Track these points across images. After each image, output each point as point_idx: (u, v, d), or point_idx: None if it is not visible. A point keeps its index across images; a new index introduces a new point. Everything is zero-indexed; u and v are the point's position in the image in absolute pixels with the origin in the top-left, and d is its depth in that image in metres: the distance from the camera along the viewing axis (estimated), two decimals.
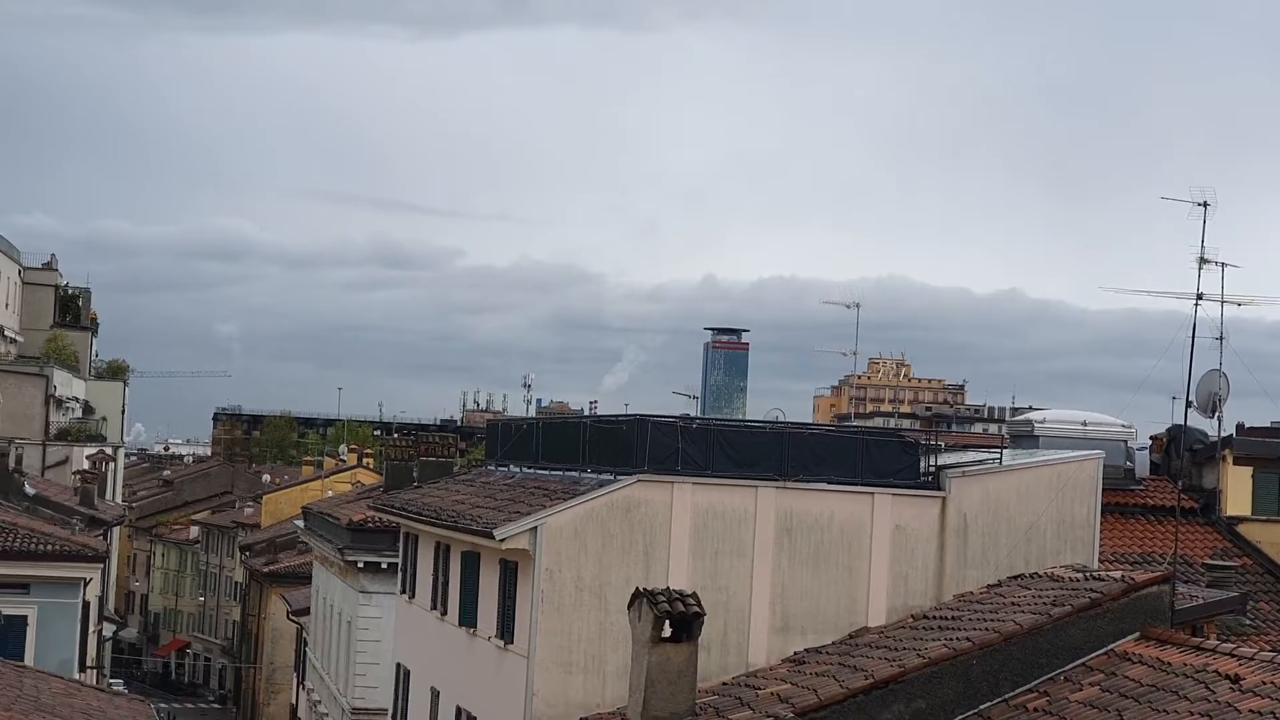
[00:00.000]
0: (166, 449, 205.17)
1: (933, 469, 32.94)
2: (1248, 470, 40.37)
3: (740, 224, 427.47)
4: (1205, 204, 33.63)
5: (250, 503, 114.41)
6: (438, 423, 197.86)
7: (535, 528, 30.02)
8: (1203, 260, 34.13)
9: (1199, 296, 34.07)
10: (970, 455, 35.98)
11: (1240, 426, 43.75)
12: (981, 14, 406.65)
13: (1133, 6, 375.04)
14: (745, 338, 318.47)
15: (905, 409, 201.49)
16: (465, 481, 41.33)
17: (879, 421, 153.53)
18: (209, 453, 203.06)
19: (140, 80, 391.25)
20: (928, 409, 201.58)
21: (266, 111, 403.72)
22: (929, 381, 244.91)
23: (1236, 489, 40.12)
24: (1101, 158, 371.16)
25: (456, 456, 55.28)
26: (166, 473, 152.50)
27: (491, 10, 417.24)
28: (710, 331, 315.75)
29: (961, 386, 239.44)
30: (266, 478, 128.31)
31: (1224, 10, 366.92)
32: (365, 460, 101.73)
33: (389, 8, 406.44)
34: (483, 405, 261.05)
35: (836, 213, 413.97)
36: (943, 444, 36.33)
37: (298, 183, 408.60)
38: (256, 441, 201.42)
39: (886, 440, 34.23)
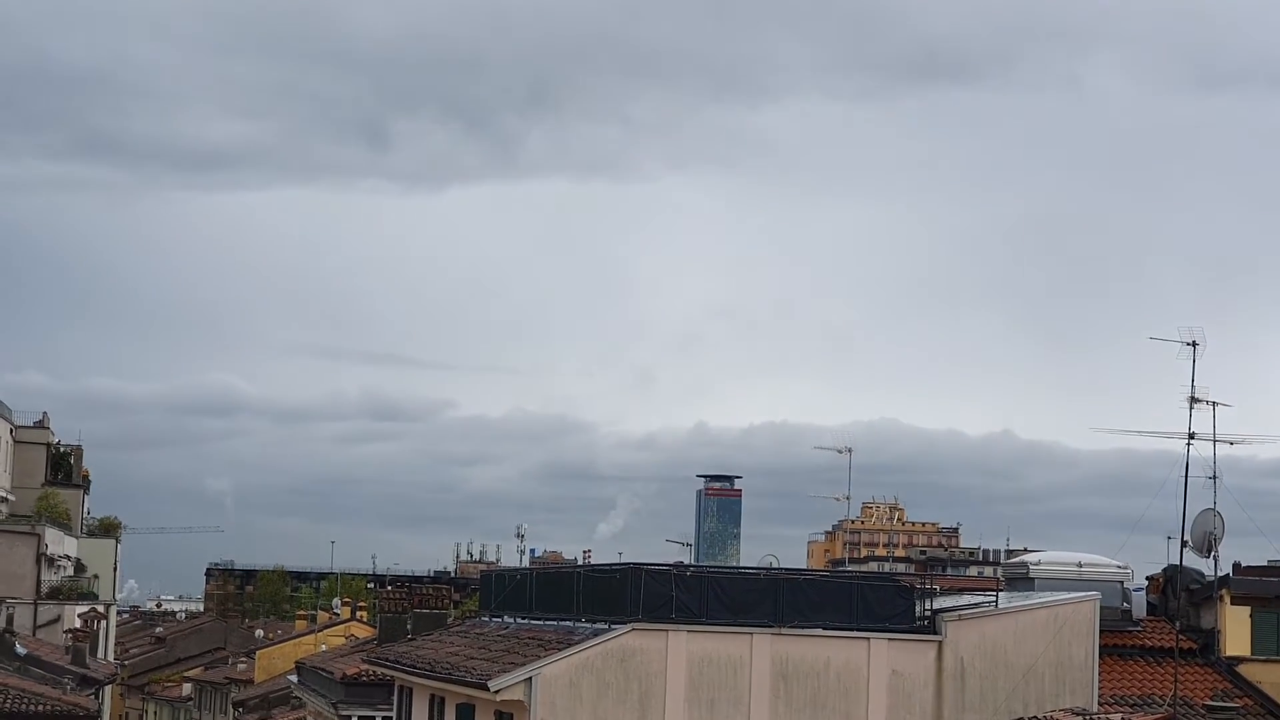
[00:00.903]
0: (159, 605, 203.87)
1: (928, 613, 32.83)
2: (1246, 610, 40.15)
3: (731, 371, 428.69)
4: (1194, 344, 33.80)
5: (243, 658, 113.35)
6: (431, 574, 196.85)
7: (530, 678, 29.85)
8: (1193, 400, 34.22)
9: (1191, 436, 34.12)
10: (966, 598, 35.85)
11: (1237, 566, 43.55)
12: (967, 161, 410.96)
13: (1118, 150, 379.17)
14: (737, 484, 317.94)
15: (900, 553, 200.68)
16: (459, 633, 41.09)
17: (873, 566, 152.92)
18: (201, 608, 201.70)
19: (131, 238, 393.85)
20: (922, 552, 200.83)
21: (257, 267, 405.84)
22: (923, 525, 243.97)
23: (1235, 629, 39.89)
24: (1091, 299, 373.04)
25: (450, 608, 55.04)
26: (159, 629, 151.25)
27: (479, 163, 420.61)
28: (702, 478, 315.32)
29: (956, 529, 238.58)
30: (260, 633, 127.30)
31: (1207, 151, 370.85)
32: (359, 613, 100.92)
33: (377, 163, 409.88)
34: (476, 556, 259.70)
35: (827, 358, 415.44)
36: (938, 588, 36.19)
37: (288, 337, 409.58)
38: (249, 596, 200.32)
39: (881, 585, 34.16)
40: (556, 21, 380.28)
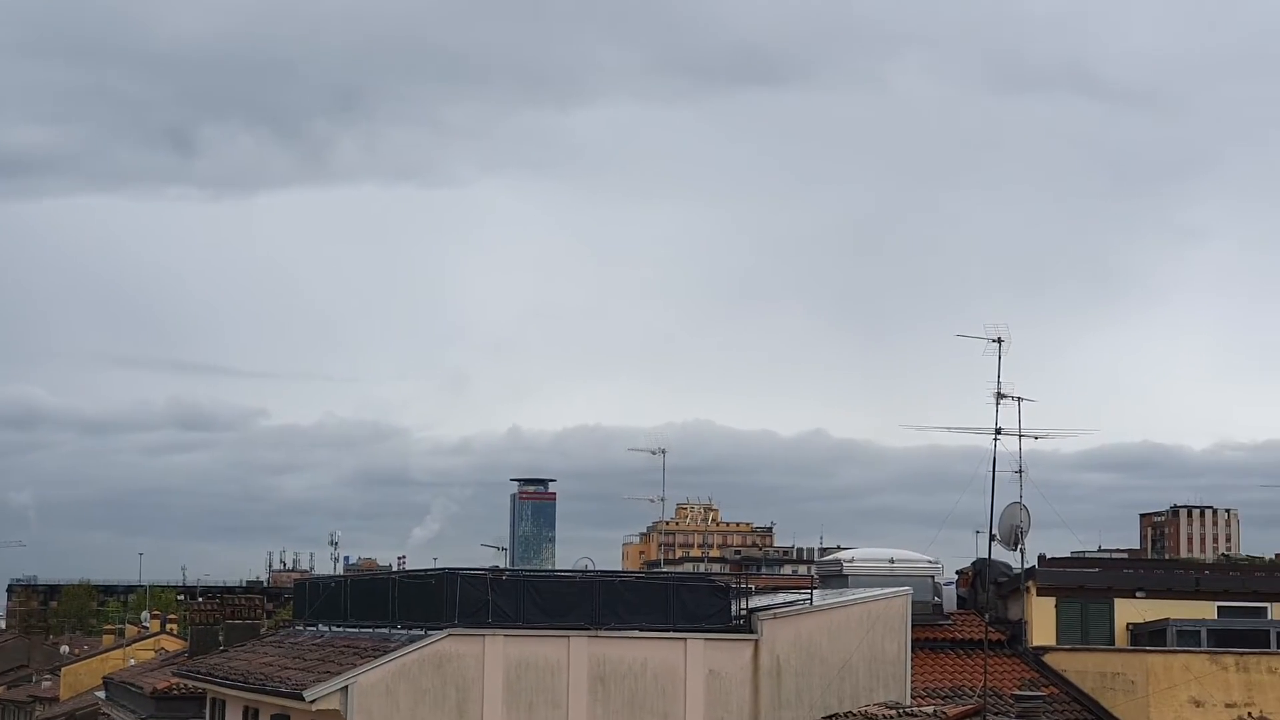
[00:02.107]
0: None
1: (744, 612, 33.07)
2: (1051, 600, 41.01)
3: (545, 374, 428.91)
4: (1000, 340, 34.46)
5: (48, 675, 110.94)
6: (243, 584, 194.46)
7: (346, 687, 29.61)
8: (999, 395, 34.90)
9: (997, 431, 34.79)
10: (781, 597, 36.18)
11: (1042, 558, 44.46)
12: (779, 163, 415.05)
13: (925, 151, 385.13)
14: (552, 487, 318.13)
15: (715, 553, 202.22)
16: (273, 643, 40.62)
17: (689, 567, 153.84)
18: (3, 625, 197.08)
19: None
20: (737, 552, 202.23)
21: (60, 276, 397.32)
22: (737, 525, 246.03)
23: (1041, 619, 40.71)
24: (898, 298, 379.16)
25: (263, 618, 54.37)
26: None
27: (288, 169, 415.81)
28: (516, 482, 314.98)
29: (770, 529, 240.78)
30: (65, 648, 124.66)
31: (1011, 151, 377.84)
32: (169, 626, 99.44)
33: (184, 169, 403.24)
34: (289, 565, 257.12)
35: (641, 360, 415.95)
36: (753, 587, 36.47)
37: (93, 347, 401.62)
38: (54, 611, 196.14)
39: (697, 585, 34.38)
40: (366, 26, 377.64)
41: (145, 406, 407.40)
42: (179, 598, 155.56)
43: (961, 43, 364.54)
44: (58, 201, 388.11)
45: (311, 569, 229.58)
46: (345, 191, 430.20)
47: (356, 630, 34.88)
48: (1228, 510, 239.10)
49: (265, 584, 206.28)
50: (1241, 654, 38.12)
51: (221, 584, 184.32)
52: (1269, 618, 41.65)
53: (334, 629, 36.73)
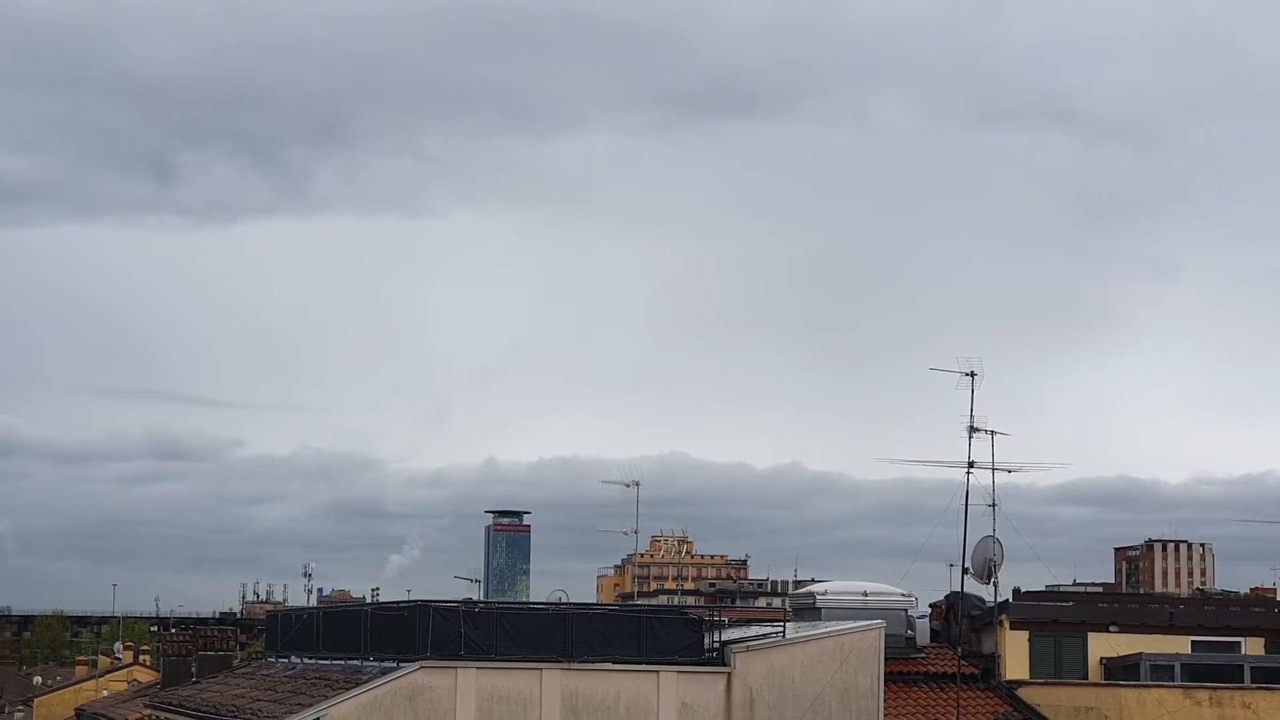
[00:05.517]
0: None
1: (717, 645, 33.06)
2: (1024, 634, 41.03)
3: (521, 406, 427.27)
4: (973, 374, 34.60)
5: (20, 707, 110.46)
6: (216, 616, 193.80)
7: (318, 718, 29.49)
8: (973, 429, 35.03)
9: (970, 464, 34.91)
10: (754, 630, 36.16)
11: (1016, 591, 44.52)
12: (756, 195, 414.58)
13: (903, 184, 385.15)
14: (526, 519, 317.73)
15: (689, 586, 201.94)
16: (245, 675, 40.50)
17: (663, 599, 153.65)
18: None
19: None
20: (711, 585, 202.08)
21: (37, 306, 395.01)
22: (711, 558, 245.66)
23: (1014, 653, 40.74)
24: (873, 331, 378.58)
25: (236, 650, 54.28)
26: None
27: (268, 198, 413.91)
28: (491, 514, 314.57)
29: (744, 561, 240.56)
30: (38, 679, 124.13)
31: (987, 185, 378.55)
32: (142, 657, 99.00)
33: (164, 198, 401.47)
34: (263, 597, 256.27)
35: (617, 393, 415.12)
36: (726, 619, 36.47)
37: (70, 377, 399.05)
38: (27, 643, 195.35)
39: (670, 618, 34.35)
40: (346, 55, 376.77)
41: (121, 436, 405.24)
42: (152, 629, 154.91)
43: (943, 75, 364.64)
44: (36, 230, 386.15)
45: (285, 600, 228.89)
46: (324, 221, 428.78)
47: (329, 662, 34.77)
48: (1202, 544, 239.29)
49: (238, 615, 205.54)
50: (1215, 688, 38.23)
51: (194, 615, 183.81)
52: (1242, 652, 41.74)
53: (306, 661, 36.62)
